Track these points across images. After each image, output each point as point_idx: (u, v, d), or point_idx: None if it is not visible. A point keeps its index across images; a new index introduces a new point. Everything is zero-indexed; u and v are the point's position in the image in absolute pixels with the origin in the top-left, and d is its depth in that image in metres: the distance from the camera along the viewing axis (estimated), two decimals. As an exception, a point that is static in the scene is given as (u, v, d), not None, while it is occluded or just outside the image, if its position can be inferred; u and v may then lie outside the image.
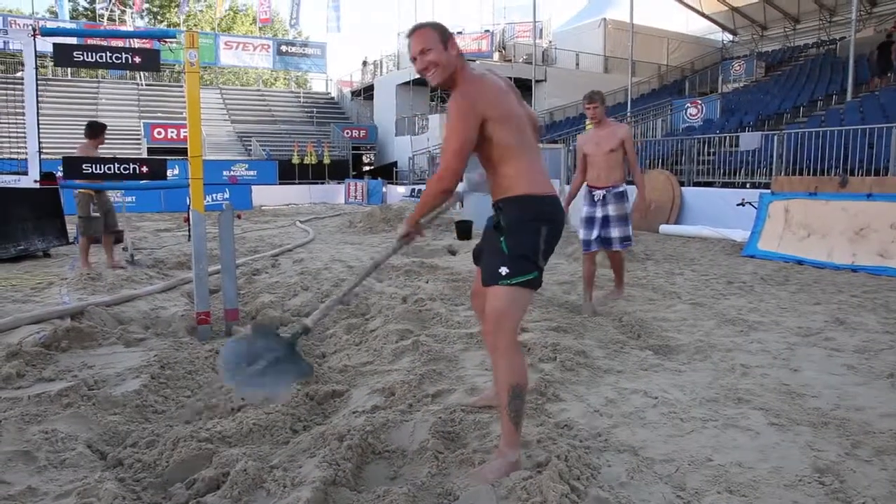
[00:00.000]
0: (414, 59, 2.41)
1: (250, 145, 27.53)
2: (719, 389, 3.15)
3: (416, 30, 2.41)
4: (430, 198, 2.41)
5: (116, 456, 2.65)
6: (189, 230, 4.73)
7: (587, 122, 20.45)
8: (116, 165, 4.33)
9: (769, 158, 11.36)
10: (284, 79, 41.06)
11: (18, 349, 3.60)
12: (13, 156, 5.21)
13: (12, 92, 5.08)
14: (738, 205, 9.65)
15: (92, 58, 4.18)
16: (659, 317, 4.75)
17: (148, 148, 24.77)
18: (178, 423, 3.06)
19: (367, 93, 33.72)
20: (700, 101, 18.08)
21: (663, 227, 11.39)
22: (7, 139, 5.23)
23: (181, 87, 30.26)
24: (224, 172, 23.54)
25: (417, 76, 20.47)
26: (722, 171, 12.60)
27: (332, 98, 36.43)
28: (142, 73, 28.01)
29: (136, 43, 5.52)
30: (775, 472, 2.28)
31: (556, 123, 25.63)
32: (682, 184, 12.34)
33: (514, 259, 2.31)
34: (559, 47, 29.88)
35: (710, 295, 5.56)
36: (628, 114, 20.27)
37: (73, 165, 4.26)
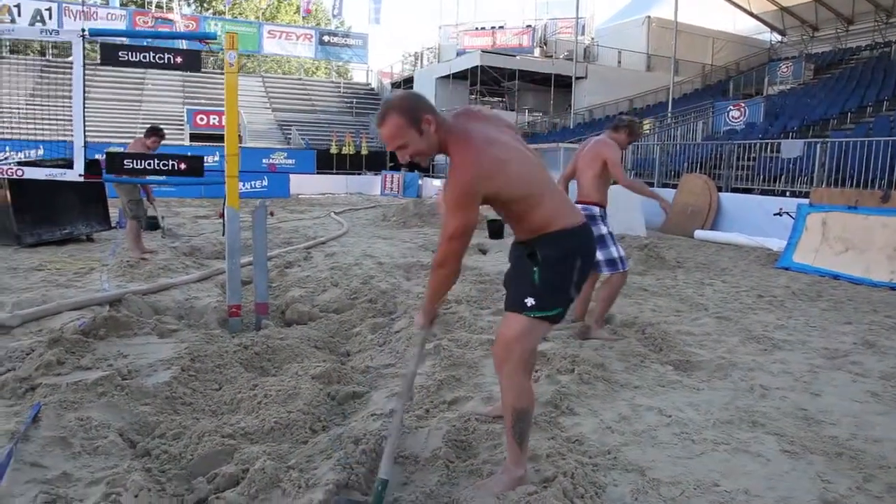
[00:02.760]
0: (393, 150, 2.23)
1: (290, 134, 27.92)
2: (735, 411, 3.15)
3: (382, 122, 2.18)
4: (439, 286, 2.33)
5: (145, 446, 2.78)
6: (224, 225, 4.88)
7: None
8: (156, 161, 4.49)
9: (811, 167, 11.11)
10: (326, 68, 41.43)
11: (60, 336, 3.78)
12: (63, 137, 5.38)
13: (62, 75, 5.23)
14: (775, 214, 9.48)
15: (136, 57, 4.34)
16: (683, 330, 4.72)
17: (190, 134, 25.33)
18: (205, 415, 3.20)
19: (406, 85, 33.84)
20: (743, 104, 17.73)
21: (698, 233, 11.25)
22: (58, 122, 5.40)
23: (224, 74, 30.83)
24: (263, 160, 23.92)
25: (458, 71, 20.60)
26: (762, 177, 12.38)
27: (373, 89, 36.66)
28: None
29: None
30: (781, 503, 2.29)
31: (594, 122, 25.40)
32: (719, 189, 12.16)
33: (542, 292, 2.28)
34: (601, 44, 29.54)
35: (738, 308, 5.50)
36: (669, 114, 19.98)
37: (115, 161, 4.43)
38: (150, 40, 6.63)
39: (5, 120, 19.20)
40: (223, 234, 5.50)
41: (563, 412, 3.09)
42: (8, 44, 29.75)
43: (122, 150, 8.44)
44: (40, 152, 18.16)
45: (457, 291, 5.80)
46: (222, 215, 4.92)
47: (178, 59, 4.46)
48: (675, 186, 13.03)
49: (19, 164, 8.14)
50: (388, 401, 3.30)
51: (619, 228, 11.11)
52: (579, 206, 4.50)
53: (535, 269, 2.29)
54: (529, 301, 2.28)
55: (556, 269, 2.29)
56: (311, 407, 3.19)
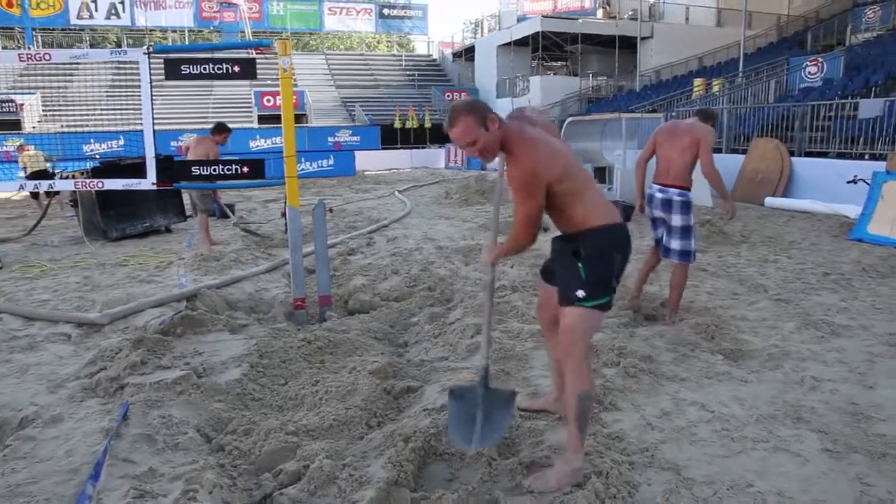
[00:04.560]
0: (464, 149, 2.56)
1: (354, 110, 28.32)
2: (781, 405, 3.16)
3: (453, 123, 2.50)
4: (512, 251, 2.73)
5: (219, 441, 3.07)
6: (286, 223, 5.15)
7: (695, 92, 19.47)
8: (221, 167, 4.78)
9: (893, 127, 10.48)
10: (387, 42, 41.54)
11: (143, 336, 4.14)
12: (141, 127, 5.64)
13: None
14: (848, 182, 9.05)
15: (197, 70, 4.60)
16: (738, 315, 4.69)
17: (258, 115, 26.07)
18: (272, 411, 3.48)
19: (468, 54, 33.57)
20: (821, 59, 16.73)
21: (769, 200, 10.89)
22: (136, 113, 5.58)
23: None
24: (329, 139, 24.49)
25: (519, 37, 20.51)
26: (839, 139, 11.75)
27: (434, 60, 36.56)
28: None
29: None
30: (814, 505, 2.34)
31: (661, 84, 24.57)
32: (792, 153, 11.66)
33: (591, 285, 2.54)
34: (668, 1, 28.32)
35: (800, 289, 5.38)
36: (740, 73, 19.10)
37: (183, 168, 4.75)
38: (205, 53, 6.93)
39: (88, 113, 20.42)
40: (285, 232, 5.80)
41: (607, 407, 3.18)
42: (88, 39, 31.31)
43: (194, 136, 9.00)
44: (121, 143, 19.34)
45: (512, 277, 5.91)
46: (284, 214, 5.18)
47: (236, 69, 4.70)
48: (744, 152, 12.57)
49: (101, 163, 8.74)
50: (439, 395, 3.48)
51: (684, 198, 10.92)
52: (675, 190, 4.54)
53: (579, 264, 2.55)
54: (581, 293, 2.53)
55: (599, 263, 2.55)
56: (367, 403, 3.41)
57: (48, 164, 11.64)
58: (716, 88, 18.43)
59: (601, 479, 2.43)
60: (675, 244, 4.58)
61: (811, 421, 3.00)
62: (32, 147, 12.53)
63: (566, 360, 2.60)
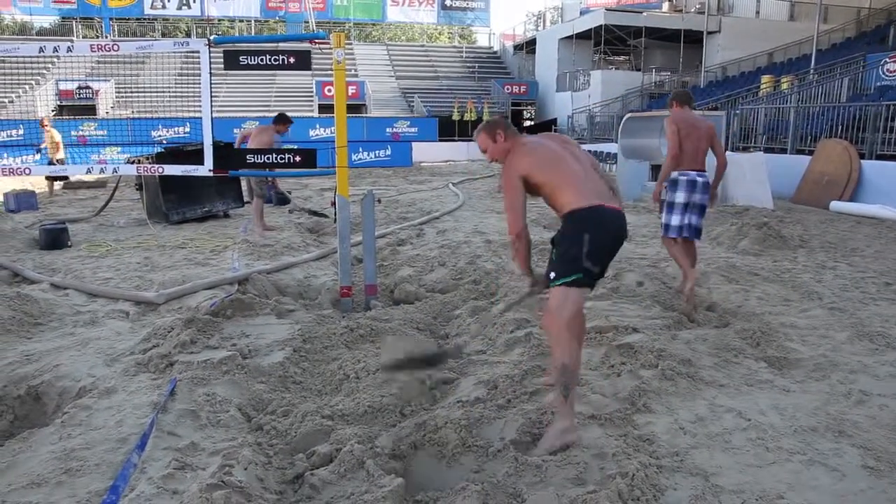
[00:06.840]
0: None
1: (412, 101, 28.51)
2: (823, 418, 3.06)
3: (476, 136, 3.22)
4: (514, 250, 3.17)
5: (258, 421, 3.20)
6: (335, 213, 5.27)
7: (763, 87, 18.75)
8: (274, 156, 4.93)
9: (975, 130, 9.87)
10: (448, 33, 41.59)
11: (194, 316, 4.33)
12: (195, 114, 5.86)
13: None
14: (921, 188, 8.59)
15: (254, 61, 4.76)
16: (788, 322, 4.54)
17: (319, 104, 26.55)
18: (311, 395, 3.59)
19: (529, 47, 33.29)
20: (902, 56, 15.85)
21: (835, 205, 10.47)
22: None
23: (351, 44, 31.83)
24: (387, 129, 24.76)
25: (581, 31, 20.29)
26: (915, 142, 11.14)
27: (495, 52, 36.40)
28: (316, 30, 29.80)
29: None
30: (846, 521, 2.27)
31: (728, 80, 23.80)
32: (862, 156, 11.15)
33: (558, 264, 2.87)
34: (738, -7, 27.39)
35: (858, 298, 5.16)
36: (812, 70, 18.32)
37: (239, 157, 4.92)
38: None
39: (157, 100, 21.24)
40: (335, 222, 5.94)
41: (639, 409, 3.15)
42: (160, 28, 32.53)
43: (256, 124, 9.35)
44: (187, 129, 20.07)
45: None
46: (334, 203, 5.31)
47: (292, 60, 4.84)
48: (810, 153, 12.10)
49: (165, 148, 9.12)
50: (474, 388, 3.52)
51: (745, 200, 10.59)
52: (705, 173, 4.99)
53: (553, 250, 2.97)
54: (552, 274, 2.89)
55: (564, 244, 2.88)
56: (403, 391, 3.48)
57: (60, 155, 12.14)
58: (784, 86, 17.74)
59: (626, 480, 2.42)
60: (702, 222, 5.05)
61: (854, 436, 2.89)
62: (49, 122, 12.64)
63: (549, 334, 2.97)
